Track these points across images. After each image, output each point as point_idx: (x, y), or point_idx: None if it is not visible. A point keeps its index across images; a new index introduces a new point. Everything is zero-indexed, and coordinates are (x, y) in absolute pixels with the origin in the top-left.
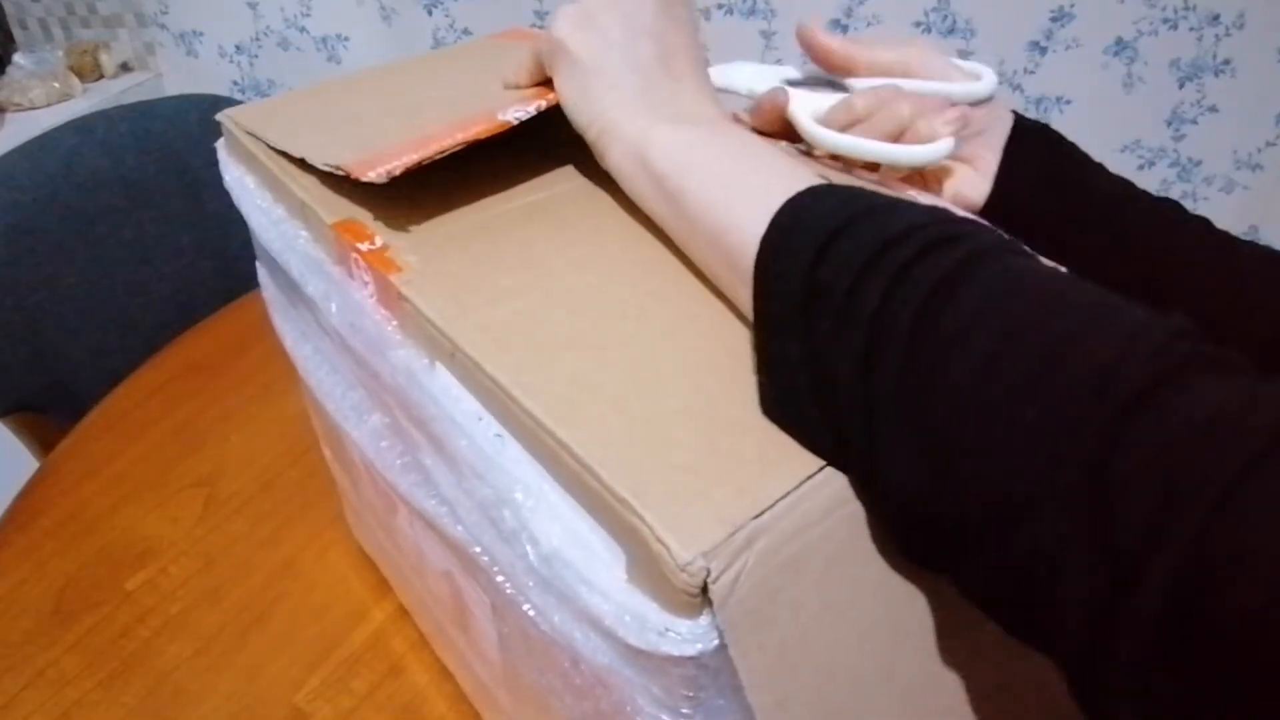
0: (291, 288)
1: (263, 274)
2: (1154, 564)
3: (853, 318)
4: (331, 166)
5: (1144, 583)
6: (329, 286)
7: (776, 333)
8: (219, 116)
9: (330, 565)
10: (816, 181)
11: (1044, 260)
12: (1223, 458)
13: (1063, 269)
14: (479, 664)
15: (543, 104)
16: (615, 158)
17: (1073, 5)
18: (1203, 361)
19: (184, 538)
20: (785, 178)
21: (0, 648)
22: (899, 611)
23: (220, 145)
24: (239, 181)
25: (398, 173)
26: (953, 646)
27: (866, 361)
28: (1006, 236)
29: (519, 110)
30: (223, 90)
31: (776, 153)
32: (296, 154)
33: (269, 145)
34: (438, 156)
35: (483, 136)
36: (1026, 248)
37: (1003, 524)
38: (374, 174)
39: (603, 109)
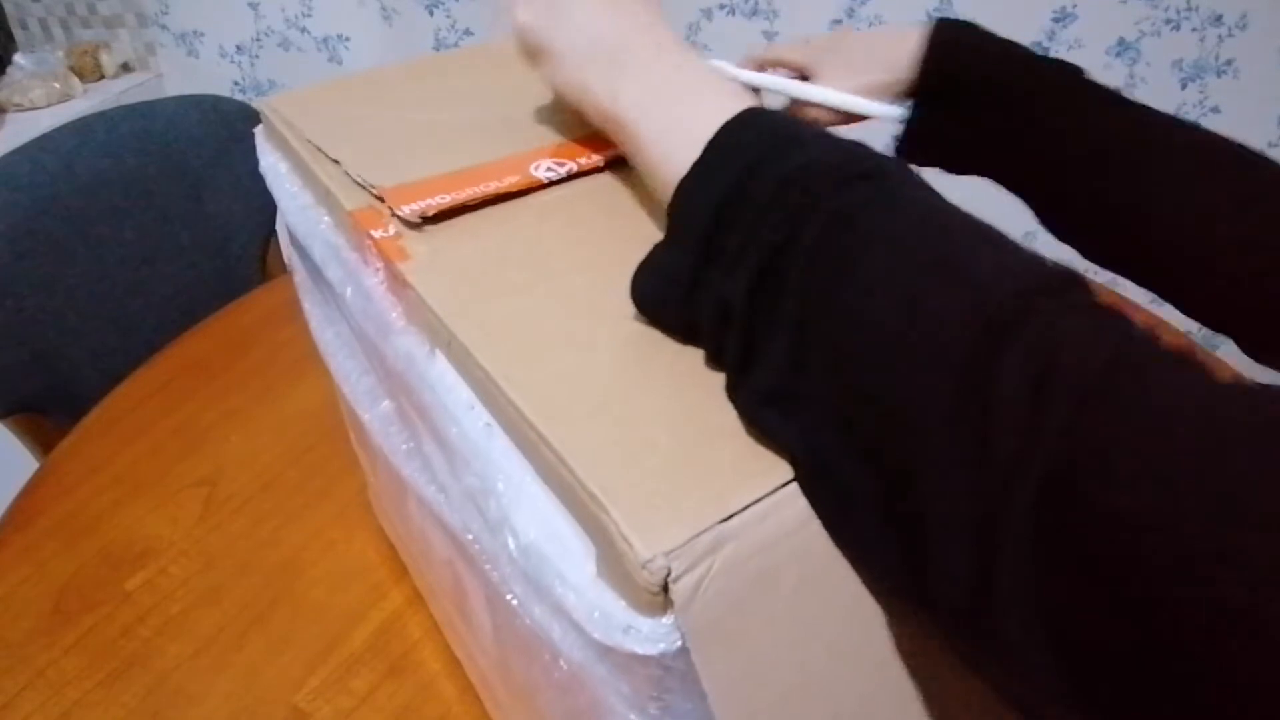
0: (316, 272)
1: (294, 260)
2: (1028, 464)
3: (758, 244)
4: (367, 185)
5: (1021, 484)
6: (345, 272)
7: (675, 244)
8: (260, 105)
9: (330, 565)
10: (749, 105)
11: (941, 196)
12: (1088, 359)
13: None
14: (480, 655)
15: (574, 167)
16: (594, 119)
17: (1075, 6)
18: (1072, 298)
19: (184, 538)
20: (721, 108)
21: (0, 648)
22: (882, 635)
23: (258, 132)
24: (273, 168)
25: (431, 214)
26: (940, 676)
27: (762, 284)
28: (912, 170)
29: (551, 169)
30: (223, 90)
31: (720, 83)
32: (333, 155)
33: (308, 140)
34: (469, 202)
35: (513, 190)
36: (927, 182)
37: (889, 436)
38: (408, 210)
39: (579, 83)
